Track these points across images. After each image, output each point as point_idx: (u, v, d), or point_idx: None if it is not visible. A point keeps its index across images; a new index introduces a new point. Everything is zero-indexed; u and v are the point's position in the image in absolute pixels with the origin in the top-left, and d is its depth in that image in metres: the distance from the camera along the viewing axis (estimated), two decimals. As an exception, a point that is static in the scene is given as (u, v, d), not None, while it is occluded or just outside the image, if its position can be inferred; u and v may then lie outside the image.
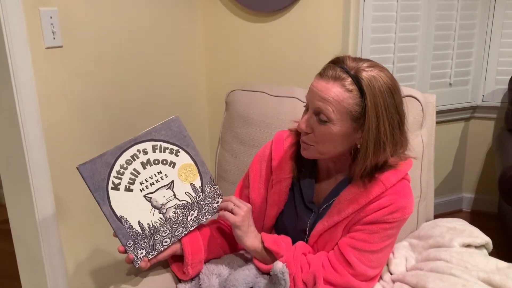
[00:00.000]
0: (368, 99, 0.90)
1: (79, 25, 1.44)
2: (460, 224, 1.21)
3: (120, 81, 1.66)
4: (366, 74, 0.91)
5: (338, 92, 0.91)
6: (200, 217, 1.06)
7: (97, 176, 0.98)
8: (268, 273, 1.01)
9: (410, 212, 1.00)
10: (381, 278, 1.13)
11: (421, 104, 1.28)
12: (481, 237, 1.15)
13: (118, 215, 0.99)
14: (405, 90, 1.30)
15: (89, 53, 1.50)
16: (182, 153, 1.05)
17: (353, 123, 0.93)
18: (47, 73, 1.34)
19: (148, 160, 1.02)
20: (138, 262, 1.00)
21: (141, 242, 1.00)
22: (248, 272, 1.02)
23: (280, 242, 1.01)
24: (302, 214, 1.08)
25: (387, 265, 1.17)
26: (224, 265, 1.08)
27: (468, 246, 1.13)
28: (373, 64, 0.94)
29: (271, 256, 1.01)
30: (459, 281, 0.95)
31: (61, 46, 1.38)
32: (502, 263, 1.04)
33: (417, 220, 1.31)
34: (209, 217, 1.08)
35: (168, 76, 1.96)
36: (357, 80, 0.90)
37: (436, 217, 1.40)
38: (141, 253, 1.00)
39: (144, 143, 1.02)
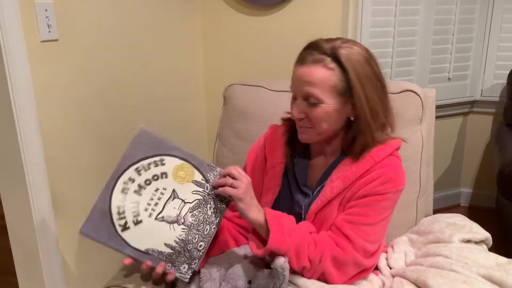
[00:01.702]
0: (350, 72, 0.96)
1: (75, 19, 1.43)
2: (460, 220, 1.21)
3: (117, 75, 1.64)
4: (343, 50, 0.97)
5: (321, 73, 0.97)
6: (219, 205, 1.02)
7: (102, 228, 0.94)
8: (266, 267, 1.00)
9: (402, 185, 1.03)
10: (380, 272, 1.13)
11: (421, 98, 1.27)
12: (481, 233, 1.14)
13: (143, 249, 0.96)
14: (404, 84, 1.30)
15: (86, 47, 1.48)
16: (167, 159, 1.00)
17: (341, 98, 0.99)
18: (42, 67, 1.32)
19: (139, 185, 0.97)
20: (187, 277, 0.98)
21: (178, 259, 0.97)
22: (247, 266, 1.02)
23: (282, 218, 1.00)
24: (298, 198, 1.10)
25: (387, 259, 1.17)
26: (224, 259, 1.08)
27: (468, 241, 1.13)
28: (346, 40, 1.01)
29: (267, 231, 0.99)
30: (459, 277, 0.95)
31: (56, 40, 1.36)
32: (501, 259, 1.04)
33: (416, 215, 1.30)
34: (227, 201, 1.04)
35: (166, 71, 1.94)
36: (335, 57, 0.97)
37: (433, 212, 1.39)
38: (184, 268, 0.98)
39: (126, 172, 0.97)
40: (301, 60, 1.01)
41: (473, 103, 2.47)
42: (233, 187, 0.99)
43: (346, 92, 0.98)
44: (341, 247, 1.00)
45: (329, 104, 0.98)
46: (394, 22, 2.12)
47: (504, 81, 2.32)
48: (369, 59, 1.00)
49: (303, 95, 1.01)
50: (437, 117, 1.40)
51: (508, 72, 2.24)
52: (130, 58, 1.71)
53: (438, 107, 2.29)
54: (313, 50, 0.99)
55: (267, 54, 2.10)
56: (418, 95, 1.27)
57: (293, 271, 1.00)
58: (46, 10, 1.30)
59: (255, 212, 1.00)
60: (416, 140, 1.28)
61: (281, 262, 0.93)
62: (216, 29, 2.15)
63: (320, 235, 1.02)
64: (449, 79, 2.35)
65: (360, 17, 2.03)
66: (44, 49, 1.32)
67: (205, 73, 2.23)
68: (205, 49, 2.19)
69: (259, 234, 1.01)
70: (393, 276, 1.09)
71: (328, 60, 0.97)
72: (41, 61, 1.32)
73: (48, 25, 1.32)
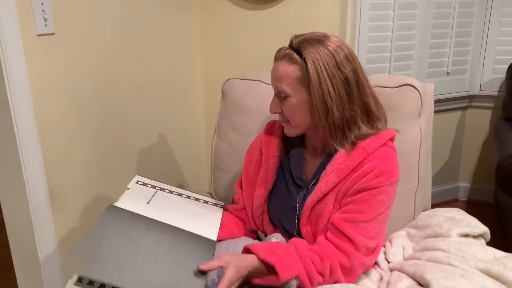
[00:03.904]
0: (309, 63, 0.97)
1: (71, 12, 1.42)
2: (458, 214, 1.21)
3: (113, 69, 1.63)
4: (307, 42, 0.99)
5: (285, 67, 1.00)
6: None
7: None
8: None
9: (396, 176, 1.03)
10: (378, 266, 1.13)
11: (419, 93, 1.26)
12: (479, 227, 1.14)
13: None
14: (403, 79, 1.29)
15: (82, 41, 1.47)
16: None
17: (307, 90, 1.00)
18: (39, 61, 1.31)
19: None
20: None
21: None
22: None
23: (274, 248, 0.95)
24: (293, 191, 1.11)
25: (385, 253, 1.17)
26: (222, 250, 1.09)
27: (466, 236, 1.13)
28: (317, 33, 1.02)
29: (268, 267, 0.94)
30: (457, 271, 0.94)
31: (53, 34, 1.35)
32: (499, 253, 1.04)
33: (414, 210, 1.30)
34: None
35: (163, 65, 1.93)
36: (297, 50, 0.99)
37: (432, 206, 1.39)
38: None
39: None
40: (275, 57, 1.05)
41: (471, 97, 2.46)
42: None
43: (310, 84, 0.99)
44: (345, 252, 0.99)
45: (296, 96, 1.01)
46: (392, 16, 2.11)
47: (503, 75, 2.31)
48: (335, 50, 0.98)
49: (276, 91, 1.05)
50: (435, 112, 1.40)
51: (507, 66, 2.23)
52: (127, 52, 1.70)
53: (436, 101, 2.27)
54: (284, 46, 1.03)
55: (265, 48, 2.08)
56: (417, 89, 1.26)
57: None
58: (42, 4, 1.29)
59: (247, 264, 0.92)
60: (415, 134, 1.28)
61: (290, 282, 0.93)
62: (213, 23, 2.13)
63: (321, 246, 1.00)
64: (447, 73, 2.34)
65: (358, 11, 2.02)
66: (40, 43, 1.31)
67: (203, 67, 2.22)
68: (202, 43, 2.18)
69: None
70: (391, 270, 1.09)
71: (293, 54, 1.00)
72: (37, 55, 1.31)
73: (44, 19, 1.31)
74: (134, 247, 0.93)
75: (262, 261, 0.93)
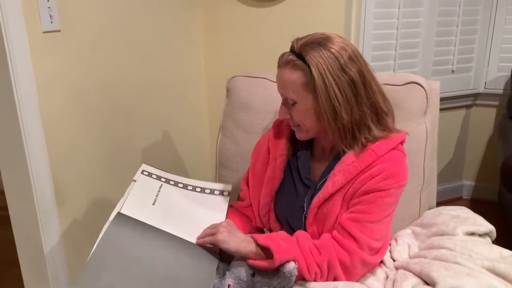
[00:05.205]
0: (313, 68, 0.95)
1: (77, 9, 1.42)
2: (463, 212, 1.20)
3: (118, 66, 1.64)
4: (309, 46, 0.97)
5: (289, 75, 0.99)
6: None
7: None
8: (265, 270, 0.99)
9: (405, 180, 1.02)
10: (384, 264, 1.13)
11: (425, 91, 1.26)
12: (485, 225, 1.14)
13: None
14: (409, 76, 1.29)
15: (87, 38, 1.47)
16: None
17: (314, 95, 0.98)
18: (44, 58, 1.32)
19: None
20: None
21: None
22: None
23: (274, 235, 1.00)
24: (301, 191, 1.10)
25: (390, 252, 1.17)
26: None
27: (472, 234, 1.12)
28: (319, 35, 0.99)
29: (267, 253, 0.98)
30: (464, 269, 0.94)
31: (58, 31, 1.35)
32: (506, 252, 1.04)
33: (420, 208, 1.30)
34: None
35: (167, 63, 1.93)
36: (300, 55, 0.97)
37: (436, 204, 1.39)
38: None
39: None
40: (278, 63, 1.03)
41: (476, 95, 2.45)
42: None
43: (315, 89, 0.97)
44: (346, 249, 0.98)
45: (303, 102, 1.00)
46: (397, 13, 2.10)
47: (508, 73, 2.30)
48: (338, 52, 0.96)
49: (283, 98, 1.04)
50: (440, 110, 1.39)
51: (512, 64, 2.22)
52: (132, 49, 1.70)
53: (441, 99, 2.25)
54: (287, 51, 1.01)
55: (269, 45, 2.08)
56: (422, 87, 1.26)
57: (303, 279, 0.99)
58: (48, 1, 1.29)
59: (244, 245, 0.99)
60: (421, 132, 1.28)
61: (290, 267, 0.93)
62: (217, 21, 2.13)
63: (321, 240, 1.01)
64: (452, 71, 2.33)
65: (363, 8, 2.01)
66: (46, 40, 1.32)
67: (207, 64, 2.22)
68: (206, 40, 2.18)
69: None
70: (397, 269, 1.09)
71: (296, 59, 0.97)
72: (43, 52, 1.31)
73: (50, 16, 1.31)
74: (132, 273, 0.95)
75: (260, 247, 0.97)
